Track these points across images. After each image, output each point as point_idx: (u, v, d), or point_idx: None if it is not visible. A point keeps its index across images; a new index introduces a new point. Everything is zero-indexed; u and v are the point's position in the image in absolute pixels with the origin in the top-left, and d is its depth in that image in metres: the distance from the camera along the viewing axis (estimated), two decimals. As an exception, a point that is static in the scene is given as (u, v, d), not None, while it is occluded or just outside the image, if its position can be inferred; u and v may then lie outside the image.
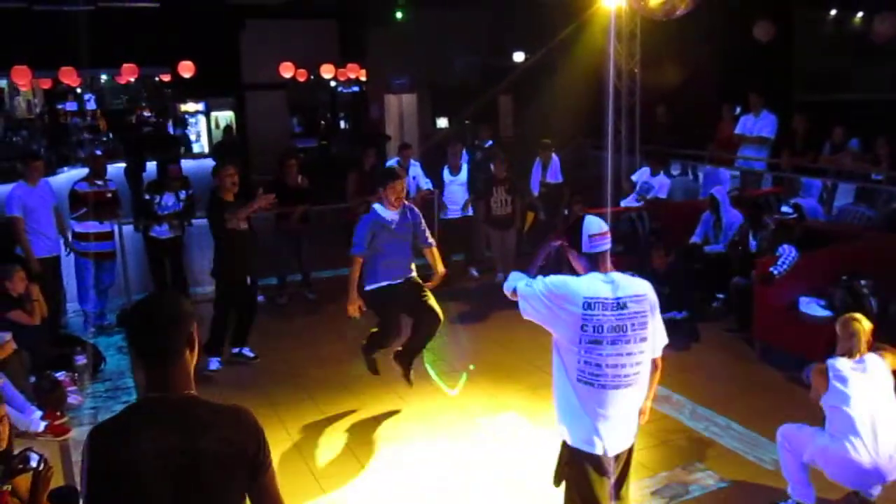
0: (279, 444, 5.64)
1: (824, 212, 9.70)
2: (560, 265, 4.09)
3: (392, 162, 10.48)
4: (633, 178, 10.93)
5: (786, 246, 7.38)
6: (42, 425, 6.10)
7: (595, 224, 3.61)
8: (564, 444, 3.75)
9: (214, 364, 7.47)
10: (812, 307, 7.16)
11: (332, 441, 5.95)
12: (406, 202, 6.40)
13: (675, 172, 11.93)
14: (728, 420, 5.98)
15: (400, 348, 6.50)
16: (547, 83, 13.52)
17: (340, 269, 10.33)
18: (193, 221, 10.02)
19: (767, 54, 12.51)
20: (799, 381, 6.60)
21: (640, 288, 3.58)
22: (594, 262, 3.60)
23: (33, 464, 3.89)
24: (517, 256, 10.53)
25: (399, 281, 6.31)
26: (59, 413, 6.42)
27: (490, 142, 11.52)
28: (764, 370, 7.01)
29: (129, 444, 2.25)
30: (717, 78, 13.37)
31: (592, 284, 3.50)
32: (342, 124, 24.54)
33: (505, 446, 5.81)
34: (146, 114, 28.21)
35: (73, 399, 6.77)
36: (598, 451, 3.59)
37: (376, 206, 6.32)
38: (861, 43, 12.56)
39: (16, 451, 4.18)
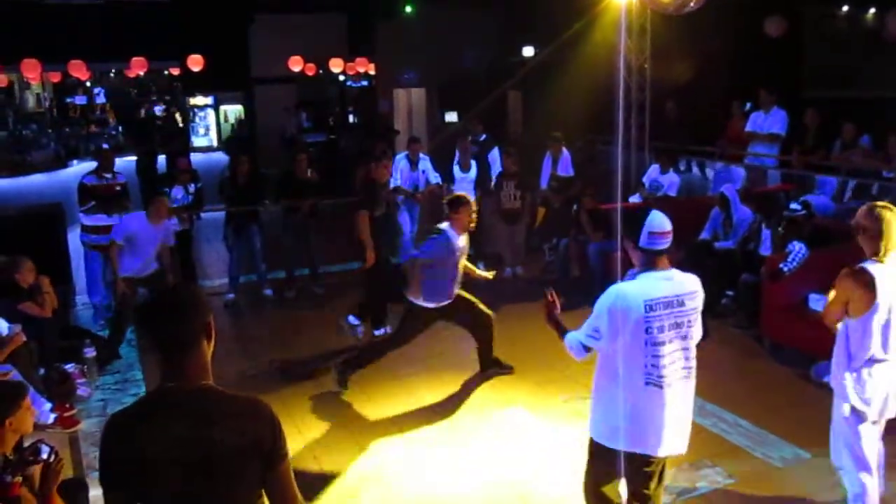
0: (288, 437, 5.64)
1: (835, 209, 9.66)
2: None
3: (401, 156, 10.48)
4: (644, 179, 10.91)
5: (795, 243, 7.36)
6: (52, 417, 6.13)
7: (658, 221, 3.60)
8: (593, 443, 3.78)
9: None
10: (822, 304, 7.11)
11: (340, 434, 5.96)
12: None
13: (681, 169, 11.90)
14: (736, 417, 5.97)
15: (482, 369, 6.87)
16: (556, 78, 13.48)
17: (349, 263, 10.37)
18: (202, 214, 10.07)
19: (778, 50, 12.45)
20: (807, 378, 6.60)
21: (693, 285, 3.65)
22: (650, 259, 3.61)
23: (44, 455, 3.91)
24: (527, 252, 10.54)
25: (444, 303, 6.50)
26: (68, 405, 6.45)
27: (484, 136, 11.52)
28: (772, 367, 7.00)
29: (145, 433, 2.26)
30: (727, 74, 13.31)
31: (649, 285, 3.54)
32: (351, 118, 24.50)
33: (510, 441, 5.82)
34: (156, 108, 28.26)
35: (82, 391, 6.81)
36: (635, 450, 3.65)
37: (446, 228, 6.42)
38: (873, 39, 12.49)
39: (26, 443, 4.21)
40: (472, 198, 6.76)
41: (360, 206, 7.92)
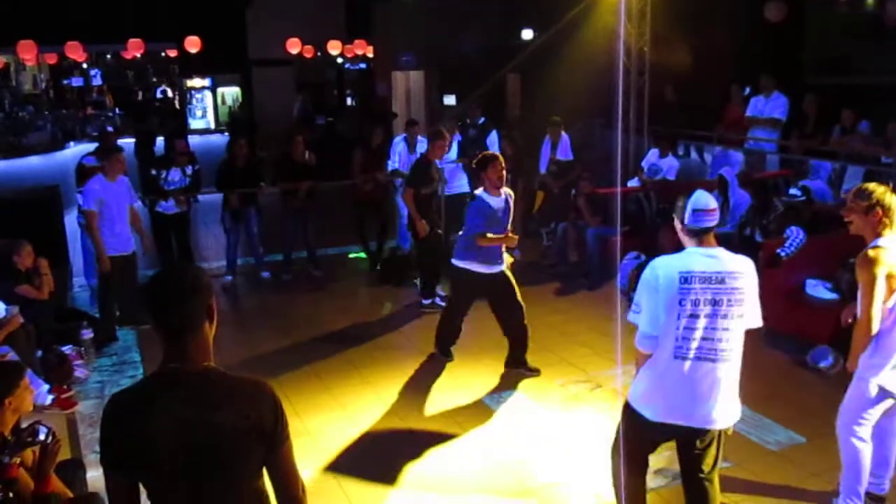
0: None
1: (833, 195, 9.66)
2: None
3: (399, 139, 10.45)
4: (643, 163, 10.90)
5: (793, 228, 7.36)
6: (49, 399, 6.15)
7: (702, 199, 3.68)
8: (628, 408, 3.85)
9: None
10: (819, 290, 7.15)
11: (337, 418, 5.98)
12: (508, 191, 6.56)
13: (680, 153, 11.89)
14: (733, 401, 5.98)
15: (509, 366, 6.73)
16: (555, 62, 13.44)
17: (346, 246, 10.38)
18: (200, 197, 10.05)
19: (778, 35, 12.41)
20: (804, 364, 6.62)
21: (740, 265, 3.65)
22: (695, 237, 3.67)
23: (41, 437, 3.92)
24: (523, 236, 10.53)
25: (489, 271, 6.47)
26: (65, 387, 6.47)
27: (482, 119, 11.50)
28: (769, 353, 7.01)
29: (146, 414, 2.26)
30: (727, 58, 13.26)
31: (689, 259, 3.61)
32: (349, 101, 24.45)
33: (507, 425, 5.84)
34: (157, 90, 28.18)
35: (79, 373, 6.82)
36: (666, 420, 3.70)
37: (479, 192, 6.43)
38: (874, 25, 12.45)
39: (24, 425, 4.22)
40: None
41: (407, 184, 8.50)
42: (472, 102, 12.35)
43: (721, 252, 3.65)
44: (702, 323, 3.55)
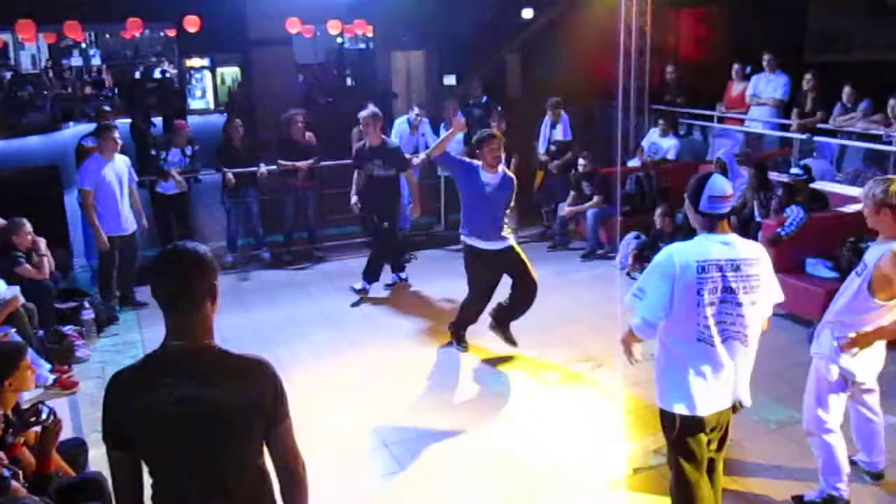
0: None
1: (834, 173, 9.64)
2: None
3: (402, 119, 10.41)
4: (643, 142, 10.86)
5: (794, 207, 7.35)
6: (51, 378, 6.16)
7: (719, 185, 3.59)
8: (672, 417, 3.72)
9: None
10: (819, 268, 7.15)
11: (336, 400, 5.99)
12: (508, 171, 6.53)
13: (681, 133, 11.84)
14: (732, 380, 5.99)
15: (492, 319, 6.67)
16: (556, 41, 13.36)
17: (346, 226, 10.35)
18: (200, 177, 10.02)
19: (779, 13, 12.33)
20: (803, 343, 6.60)
21: (754, 251, 3.63)
22: (710, 223, 3.60)
23: (43, 416, 3.94)
24: (521, 216, 10.50)
25: (489, 247, 6.42)
26: (67, 366, 6.48)
27: (485, 98, 11.43)
28: (769, 332, 7.00)
29: (149, 391, 2.27)
30: (728, 36, 13.18)
31: (703, 246, 3.55)
32: (349, 81, 24.31)
33: (507, 406, 5.85)
34: (155, 70, 28.05)
35: (80, 353, 6.83)
36: (702, 413, 3.63)
37: (478, 164, 6.44)
38: (875, 1, 12.36)
39: (25, 406, 4.23)
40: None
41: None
42: (472, 82, 12.30)
43: (735, 238, 3.62)
44: (720, 309, 3.52)
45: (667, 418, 3.74)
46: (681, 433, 3.70)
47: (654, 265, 3.61)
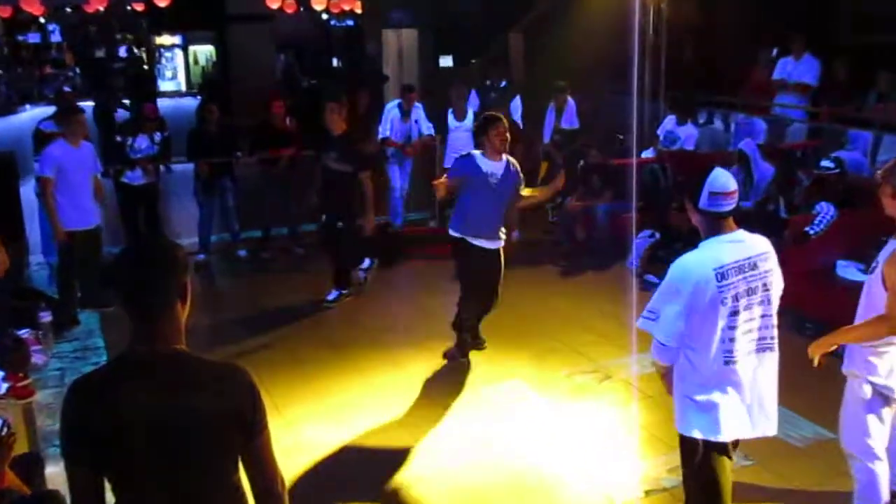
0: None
1: (869, 167, 9.65)
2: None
3: (393, 104, 10.41)
4: (658, 131, 10.87)
5: (823, 203, 7.35)
6: (4, 387, 6.14)
7: (721, 181, 3.59)
8: (694, 442, 3.75)
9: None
10: (850, 271, 7.16)
11: (319, 411, 5.99)
12: (511, 158, 6.53)
13: (700, 121, 11.86)
14: (754, 393, 6.00)
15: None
16: (562, 19, 13.38)
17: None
18: (171, 166, 10.02)
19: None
20: (834, 353, 6.61)
21: (763, 244, 3.69)
22: (714, 223, 3.62)
23: (-5, 428, 3.92)
24: (522, 212, 10.50)
25: (481, 245, 6.45)
26: (22, 374, 6.45)
27: (504, 82, 11.46)
28: (795, 341, 6.96)
29: (112, 401, 2.26)
30: (752, 16, 13.21)
31: (716, 251, 3.56)
32: (335, 62, 24.32)
33: (506, 417, 5.85)
34: (122, 48, 28.01)
35: (37, 359, 6.79)
36: (727, 437, 3.68)
37: (476, 153, 6.46)
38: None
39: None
40: (469, 148, 6.74)
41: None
42: (491, 62, 12.28)
43: (744, 234, 3.65)
44: (744, 317, 3.54)
45: (687, 444, 3.76)
46: (704, 460, 3.71)
47: (667, 283, 3.63)
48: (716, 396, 3.61)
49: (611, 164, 9.72)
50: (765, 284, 3.58)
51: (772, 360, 3.68)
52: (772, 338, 3.65)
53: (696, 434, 3.68)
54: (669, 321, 3.57)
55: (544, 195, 7.02)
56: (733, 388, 3.61)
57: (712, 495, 3.76)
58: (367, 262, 8.38)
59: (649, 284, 7.68)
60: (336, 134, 8.02)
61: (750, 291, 3.55)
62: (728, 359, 3.56)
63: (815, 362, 4.08)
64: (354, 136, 8.28)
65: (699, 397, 3.66)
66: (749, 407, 3.66)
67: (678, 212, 8.44)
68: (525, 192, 6.66)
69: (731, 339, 3.55)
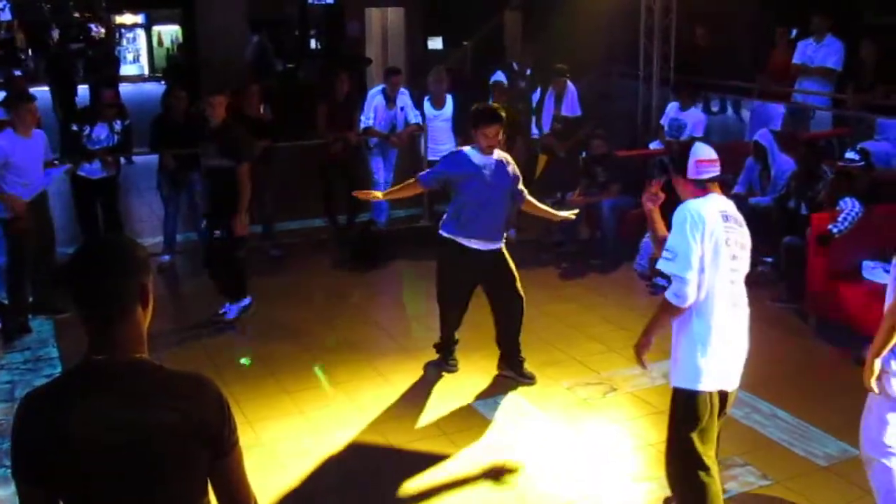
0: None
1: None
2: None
3: (376, 91, 10.40)
4: (662, 120, 10.87)
5: (848, 199, 7.36)
6: (-53, 402, 6.12)
7: (704, 150, 4.16)
8: (691, 396, 4.09)
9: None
10: (878, 273, 7.17)
11: (297, 428, 5.98)
12: (504, 155, 6.53)
13: (714, 109, 11.88)
14: (773, 407, 6.02)
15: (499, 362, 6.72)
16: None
17: (310, 219, 10.34)
18: (132, 158, 9.98)
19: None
20: (860, 361, 6.64)
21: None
22: (703, 189, 4.12)
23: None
24: (519, 211, 10.51)
25: (478, 247, 6.41)
26: (-33, 388, 6.44)
27: (529, 70, 11.50)
28: (818, 348, 7.05)
29: (68, 416, 2.24)
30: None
31: (713, 201, 4.08)
32: (313, 44, 24.30)
33: (505, 433, 5.86)
34: (78, 28, 27.97)
35: (-16, 371, 6.79)
36: (728, 387, 4.13)
37: (466, 148, 6.47)
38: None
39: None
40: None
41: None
42: (521, 46, 12.27)
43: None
44: (737, 265, 4.03)
45: (688, 399, 4.09)
46: (701, 412, 4.06)
47: (680, 222, 4.00)
48: (715, 340, 4.00)
49: (616, 157, 9.69)
50: (743, 245, 4.07)
51: (746, 316, 4.13)
52: (745, 296, 4.10)
53: (699, 387, 4.03)
54: (689, 258, 3.92)
55: (550, 216, 6.93)
56: (734, 334, 4.05)
57: (705, 449, 4.13)
58: (246, 301, 7.94)
59: (659, 288, 7.68)
60: (215, 125, 7.68)
61: (739, 244, 4.03)
62: (733, 300, 4.01)
63: (876, 390, 4.24)
64: (235, 125, 7.93)
65: (702, 342, 4.02)
66: (735, 359, 4.10)
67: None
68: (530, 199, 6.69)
69: (733, 283, 3.99)
